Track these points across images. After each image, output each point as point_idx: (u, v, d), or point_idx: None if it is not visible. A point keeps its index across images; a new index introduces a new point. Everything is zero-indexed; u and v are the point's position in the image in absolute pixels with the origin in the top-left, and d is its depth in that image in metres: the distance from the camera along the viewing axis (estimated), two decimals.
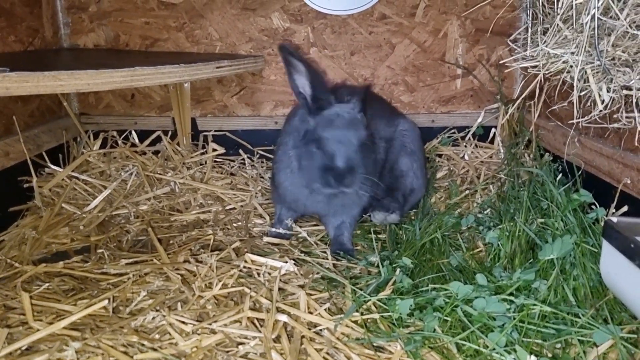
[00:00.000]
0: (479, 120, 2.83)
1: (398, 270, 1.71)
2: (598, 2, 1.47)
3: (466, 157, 2.74)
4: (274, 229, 2.15)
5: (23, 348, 1.35)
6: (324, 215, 2.11)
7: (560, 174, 2.15)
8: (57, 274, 1.79)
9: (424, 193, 2.35)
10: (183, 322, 1.45)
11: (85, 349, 1.34)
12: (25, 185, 2.29)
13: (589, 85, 1.62)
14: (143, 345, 1.37)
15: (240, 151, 2.83)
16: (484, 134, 2.83)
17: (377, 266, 1.79)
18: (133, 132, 2.81)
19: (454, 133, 2.86)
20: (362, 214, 2.19)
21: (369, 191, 1.84)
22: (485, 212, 2.15)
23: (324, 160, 1.76)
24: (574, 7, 1.61)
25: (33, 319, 1.44)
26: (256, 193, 2.49)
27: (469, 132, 2.84)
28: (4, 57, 2.23)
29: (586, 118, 1.75)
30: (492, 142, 2.81)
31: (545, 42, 1.74)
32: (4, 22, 2.29)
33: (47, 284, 1.67)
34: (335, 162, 1.74)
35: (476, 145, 2.81)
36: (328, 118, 1.82)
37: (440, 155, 2.77)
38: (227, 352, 1.36)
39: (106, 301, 1.51)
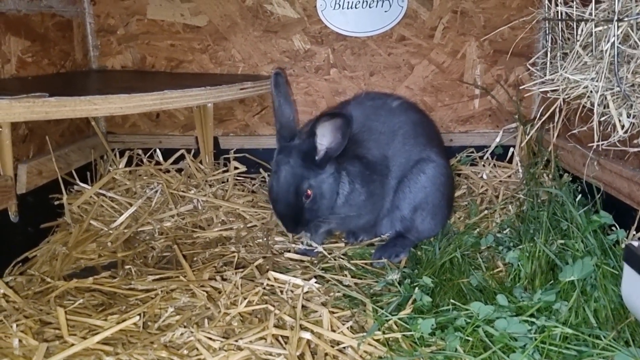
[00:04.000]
0: (497, 139, 2.85)
1: (417, 288, 1.74)
2: (617, 31, 1.50)
3: (485, 177, 2.76)
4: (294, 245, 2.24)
5: None
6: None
7: (580, 195, 2.14)
8: (87, 289, 1.85)
9: (437, 232, 2.24)
10: (210, 339, 1.50)
11: None
12: (56, 203, 2.37)
13: (609, 111, 1.64)
14: None
15: (261, 170, 2.89)
16: (502, 154, 2.85)
17: (399, 284, 1.81)
18: (158, 151, 2.89)
19: (472, 152, 2.88)
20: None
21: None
22: (504, 232, 2.17)
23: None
24: (593, 34, 1.64)
25: (68, 333, 1.50)
26: None
27: (487, 151, 2.86)
28: (38, 80, 2.33)
29: (606, 142, 1.76)
30: (510, 161, 2.83)
31: (564, 67, 1.77)
32: (39, 46, 2.40)
33: (80, 300, 1.73)
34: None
35: (495, 165, 2.82)
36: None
37: (459, 174, 2.79)
38: None
39: (137, 317, 1.56)
